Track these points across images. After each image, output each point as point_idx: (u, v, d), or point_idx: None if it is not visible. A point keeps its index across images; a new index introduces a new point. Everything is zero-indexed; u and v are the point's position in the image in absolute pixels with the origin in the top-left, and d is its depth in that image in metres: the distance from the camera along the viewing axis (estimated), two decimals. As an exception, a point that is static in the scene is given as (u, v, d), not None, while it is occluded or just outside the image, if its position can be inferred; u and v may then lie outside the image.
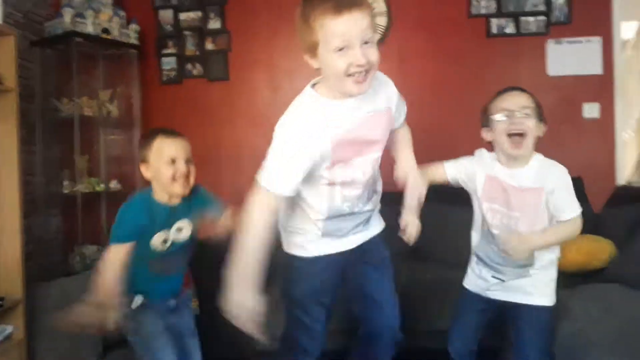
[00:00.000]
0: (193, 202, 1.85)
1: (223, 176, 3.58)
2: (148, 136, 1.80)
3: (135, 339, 1.81)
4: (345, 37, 1.30)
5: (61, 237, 3.20)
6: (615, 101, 3.43)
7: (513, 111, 1.66)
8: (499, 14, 3.42)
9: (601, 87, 3.43)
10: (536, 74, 3.44)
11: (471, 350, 1.87)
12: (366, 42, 1.32)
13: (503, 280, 1.75)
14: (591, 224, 2.83)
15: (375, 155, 1.53)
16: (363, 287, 1.70)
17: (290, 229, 1.63)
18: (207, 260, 2.52)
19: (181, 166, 1.75)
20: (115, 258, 1.68)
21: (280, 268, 1.66)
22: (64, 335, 2.65)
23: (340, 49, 1.31)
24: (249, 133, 3.56)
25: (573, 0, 3.39)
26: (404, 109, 1.66)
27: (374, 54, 1.34)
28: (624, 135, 5.29)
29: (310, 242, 1.60)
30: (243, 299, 1.34)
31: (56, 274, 2.90)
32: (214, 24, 3.60)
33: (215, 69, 3.61)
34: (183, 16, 3.62)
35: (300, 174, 1.41)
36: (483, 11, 3.43)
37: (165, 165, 1.74)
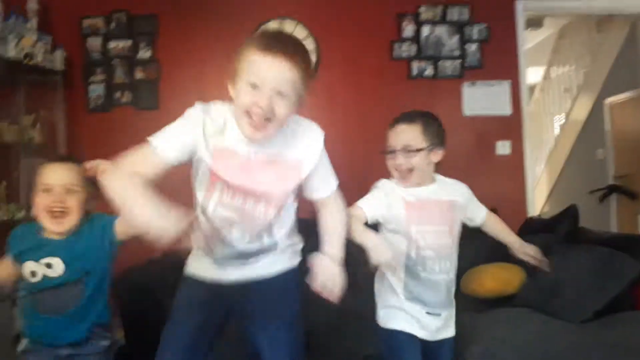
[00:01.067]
0: (83, 237, 1.65)
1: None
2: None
3: None
4: (260, 76, 1.29)
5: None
6: (524, 139, 3.74)
7: (395, 148, 1.66)
8: (419, 57, 3.67)
9: (511, 126, 3.74)
10: (453, 114, 3.69)
11: None
12: (280, 93, 1.30)
13: (439, 314, 1.68)
14: (504, 252, 3.05)
15: (260, 210, 1.41)
16: (253, 345, 1.49)
17: None
18: (131, 289, 2.48)
19: (56, 196, 1.60)
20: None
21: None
22: None
23: (252, 85, 1.30)
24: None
25: (484, 47, 3.70)
26: (332, 176, 1.51)
27: (281, 107, 1.30)
28: (535, 170, 5.72)
29: (192, 257, 1.54)
30: (149, 214, 1.20)
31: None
32: (144, 53, 3.60)
33: (144, 97, 3.60)
34: (112, 44, 3.59)
35: (181, 144, 1.38)
36: (404, 55, 3.67)
37: (38, 193, 1.61)
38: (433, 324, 1.68)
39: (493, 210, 3.32)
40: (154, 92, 3.59)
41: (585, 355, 1.91)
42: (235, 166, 1.38)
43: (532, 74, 4.66)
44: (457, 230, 1.72)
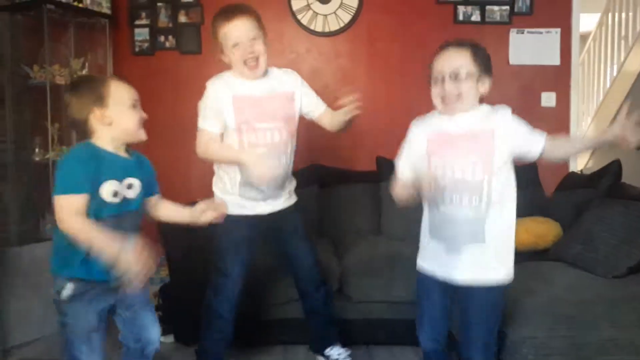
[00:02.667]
0: (143, 164, 1.71)
1: (191, 148, 3.63)
2: (96, 83, 1.62)
3: (63, 332, 1.59)
4: (235, 35, 1.89)
5: (32, 203, 3.22)
6: (571, 92, 3.62)
7: (442, 74, 1.61)
8: (466, 2, 3.54)
9: (558, 77, 3.61)
10: (498, 62, 3.56)
11: (439, 337, 1.73)
12: (252, 38, 1.90)
13: (458, 251, 1.60)
14: (542, 206, 3.05)
15: (279, 125, 2.00)
16: (284, 247, 2.21)
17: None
18: (175, 229, 2.62)
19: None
20: (70, 210, 1.46)
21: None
22: (34, 299, 2.73)
23: (235, 45, 1.90)
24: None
25: (536, -8, 3.54)
26: (319, 100, 2.17)
27: (260, 45, 1.92)
28: (582, 124, 5.54)
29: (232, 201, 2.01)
30: None
31: (27, 240, 2.94)
32: (188, -4, 3.61)
33: (187, 41, 3.63)
34: (157, -13, 3.61)
35: (218, 119, 1.96)
36: (451, -2, 3.55)
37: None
38: (452, 263, 1.62)
39: (532, 164, 3.32)
40: (197, 36, 3.61)
41: (614, 308, 1.92)
42: (249, 104, 1.95)
43: (585, 23, 4.43)
44: (497, 162, 1.55)
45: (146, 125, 1.70)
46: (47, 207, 3.06)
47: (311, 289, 2.24)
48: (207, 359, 2.16)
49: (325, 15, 3.56)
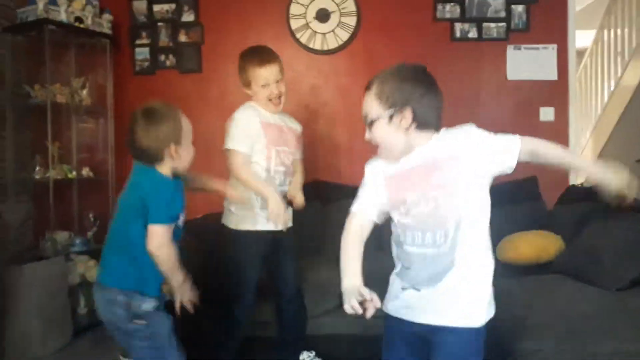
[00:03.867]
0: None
1: (192, 167, 3.63)
2: (175, 120, 1.71)
3: (147, 342, 1.69)
4: (264, 78, 2.23)
5: (32, 222, 3.22)
6: (569, 106, 3.64)
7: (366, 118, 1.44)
8: (463, 19, 3.58)
9: (556, 92, 3.63)
10: (496, 77, 3.62)
11: None
12: (277, 81, 2.25)
13: (418, 290, 1.40)
14: (543, 220, 3.04)
15: (292, 152, 2.36)
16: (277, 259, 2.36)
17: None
18: (190, 248, 2.61)
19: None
20: (166, 239, 1.63)
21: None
22: (34, 319, 2.71)
23: (264, 86, 2.23)
24: (218, 125, 3.59)
25: (531, 8, 3.58)
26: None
27: (282, 87, 2.28)
28: (580, 139, 5.56)
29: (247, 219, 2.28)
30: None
31: (27, 258, 2.93)
32: (188, 16, 3.66)
33: (187, 60, 3.67)
34: (157, 7, 3.66)
35: (250, 142, 2.21)
36: (447, 15, 3.59)
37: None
38: (411, 300, 1.41)
39: (533, 178, 3.33)
40: (197, 56, 3.65)
41: (617, 320, 1.91)
42: (276, 133, 2.29)
43: (581, 39, 4.47)
44: (460, 190, 1.33)
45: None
46: (47, 226, 3.06)
47: (285, 303, 2.40)
48: None
49: (324, 34, 3.60)
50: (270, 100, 2.26)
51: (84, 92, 3.42)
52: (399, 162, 1.42)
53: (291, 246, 2.39)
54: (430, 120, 1.39)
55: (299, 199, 2.33)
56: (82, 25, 3.27)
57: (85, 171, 3.35)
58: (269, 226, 2.24)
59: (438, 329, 1.36)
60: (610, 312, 1.95)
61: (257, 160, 2.26)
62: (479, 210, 1.38)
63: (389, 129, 1.38)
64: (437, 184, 1.34)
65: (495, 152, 1.36)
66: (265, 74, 2.22)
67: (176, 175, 1.75)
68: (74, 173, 3.31)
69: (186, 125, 1.73)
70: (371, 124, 1.41)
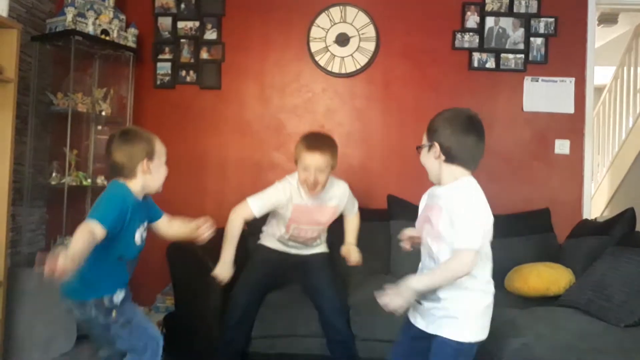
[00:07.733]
0: (147, 203, 1.95)
1: (207, 181, 3.68)
2: (148, 138, 1.87)
3: (126, 329, 1.83)
4: (307, 163, 2.41)
5: (45, 227, 3.26)
6: (585, 139, 3.62)
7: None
8: (481, 49, 3.61)
9: (572, 125, 3.62)
10: (512, 108, 3.62)
11: None
12: (319, 170, 2.40)
13: (419, 303, 1.64)
14: (554, 253, 3.01)
15: (319, 228, 2.62)
16: (309, 280, 2.65)
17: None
18: (183, 258, 2.62)
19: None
20: (91, 235, 1.56)
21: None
22: (41, 321, 2.73)
23: (305, 169, 2.42)
24: (235, 142, 3.67)
25: (550, 41, 3.60)
26: (355, 205, 2.75)
27: (321, 177, 2.42)
28: (596, 173, 5.51)
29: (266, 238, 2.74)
30: None
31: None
32: (210, 34, 3.73)
33: (208, 77, 3.73)
34: (181, 24, 3.74)
35: (265, 209, 2.52)
36: (466, 45, 3.62)
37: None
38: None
39: (545, 210, 3.30)
40: (217, 73, 3.72)
41: (627, 357, 1.87)
42: (304, 215, 2.53)
43: (600, 75, 4.47)
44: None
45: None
46: (60, 231, 3.10)
47: (333, 319, 2.49)
48: None
49: (343, 58, 3.65)
50: (305, 183, 2.44)
51: (106, 102, 3.49)
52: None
53: (323, 263, 2.68)
54: (457, 156, 1.63)
55: (354, 258, 2.53)
56: (107, 38, 3.36)
57: (100, 180, 3.40)
58: (287, 249, 2.69)
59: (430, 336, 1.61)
60: (619, 348, 1.92)
61: (277, 229, 2.62)
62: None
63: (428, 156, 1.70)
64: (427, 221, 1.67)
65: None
66: (308, 160, 2.40)
67: (146, 197, 1.90)
68: (89, 180, 3.36)
69: (159, 146, 1.88)
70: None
